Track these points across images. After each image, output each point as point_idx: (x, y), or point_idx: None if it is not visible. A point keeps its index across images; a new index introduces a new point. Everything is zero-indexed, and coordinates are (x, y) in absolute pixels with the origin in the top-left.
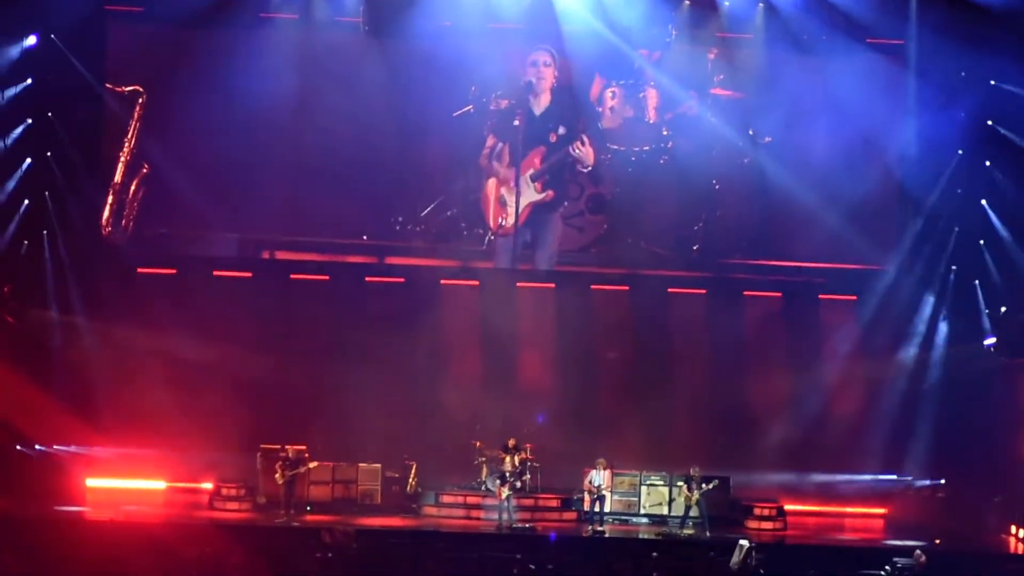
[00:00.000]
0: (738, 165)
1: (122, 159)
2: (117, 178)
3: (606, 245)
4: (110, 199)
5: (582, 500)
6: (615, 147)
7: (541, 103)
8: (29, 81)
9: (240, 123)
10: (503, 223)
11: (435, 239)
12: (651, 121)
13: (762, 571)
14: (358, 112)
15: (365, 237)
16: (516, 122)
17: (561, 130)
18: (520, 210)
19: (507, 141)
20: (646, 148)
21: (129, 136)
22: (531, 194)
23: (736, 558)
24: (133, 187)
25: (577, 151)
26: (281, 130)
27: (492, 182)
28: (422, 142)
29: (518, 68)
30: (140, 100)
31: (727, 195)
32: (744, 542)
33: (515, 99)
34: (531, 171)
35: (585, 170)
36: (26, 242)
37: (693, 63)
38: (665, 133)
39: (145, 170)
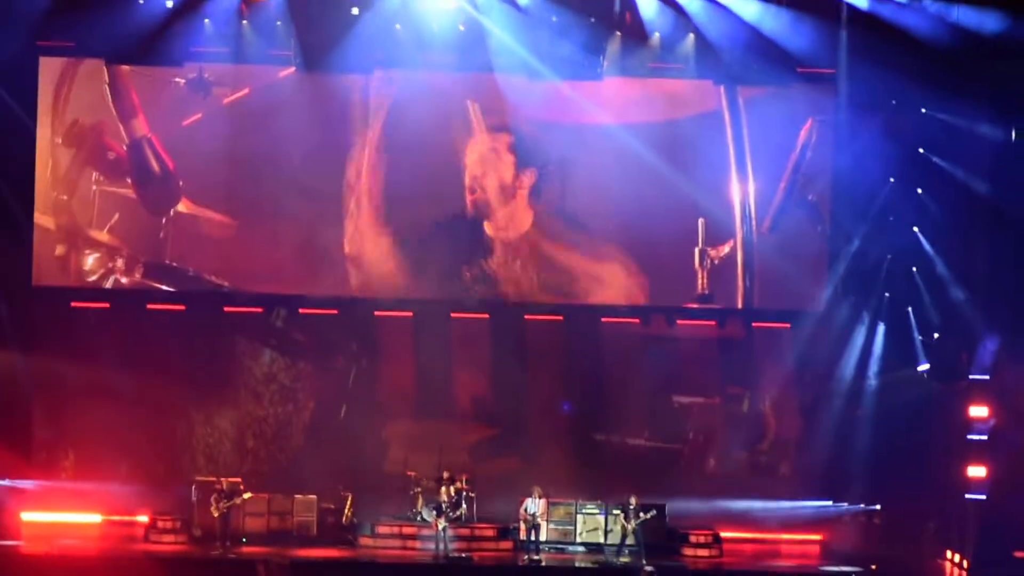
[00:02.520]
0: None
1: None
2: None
3: None
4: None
5: (518, 529)
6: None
7: None
8: None
9: (174, 157)
10: None
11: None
12: None
13: None
14: (284, 148)
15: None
16: None
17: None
18: None
19: None
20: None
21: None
22: None
23: None
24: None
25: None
26: (211, 164)
27: None
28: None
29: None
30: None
31: (657, 227)
32: (649, 568)
33: None
34: None
35: None
36: None
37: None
38: None
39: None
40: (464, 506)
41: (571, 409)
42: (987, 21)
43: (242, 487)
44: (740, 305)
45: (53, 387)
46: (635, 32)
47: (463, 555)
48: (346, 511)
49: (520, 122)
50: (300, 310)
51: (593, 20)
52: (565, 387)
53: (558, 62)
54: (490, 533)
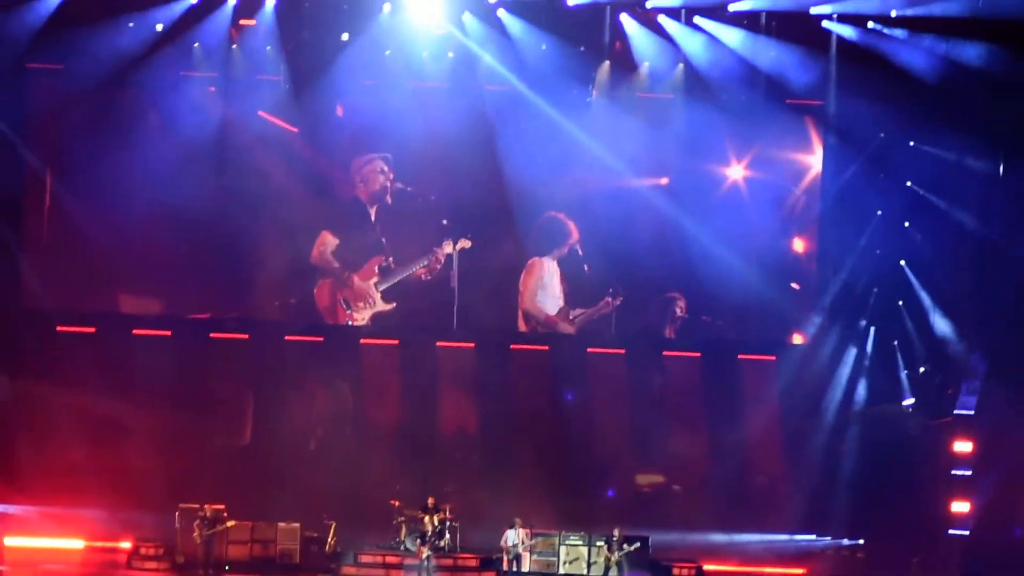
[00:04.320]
0: (655, 227)
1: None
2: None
3: None
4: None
5: (501, 559)
6: None
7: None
8: None
9: (161, 180)
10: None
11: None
12: None
13: None
14: (271, 173)
15: (277, 304)
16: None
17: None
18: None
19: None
20: None
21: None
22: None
23: None
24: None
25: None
26: (199, 188)
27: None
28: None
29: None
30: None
31: (646, 257)
32: None
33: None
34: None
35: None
36: None
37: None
38: None
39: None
40: (448, 536)
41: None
42: (976, 55)
43: (225, 514)
44: (726, 336)
45: (37, 411)
46: (624, 61)
47: None
48: (329, 539)
49: None
50: (285, 337)
51: (583, 48)
52: (551, 417)
53: (547, 89)
54: (473, 563)
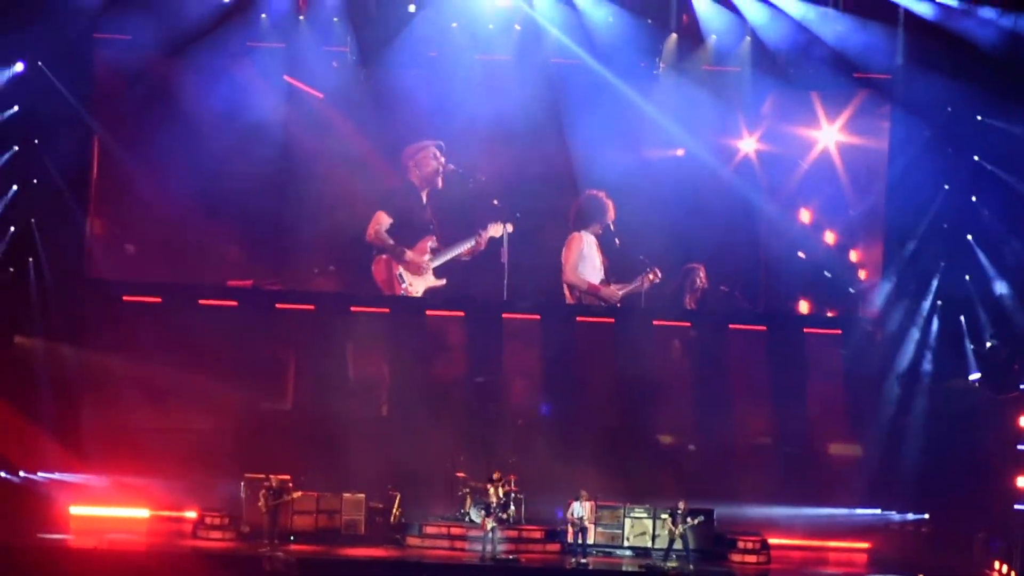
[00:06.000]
0: (724, 197)
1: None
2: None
3: None
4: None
5: (566, 532)
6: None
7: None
8: (16, 108)
9: (225, 151)
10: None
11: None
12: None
13: None
14: (334, 145)
15: (332, 268)
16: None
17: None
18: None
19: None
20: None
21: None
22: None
23: None
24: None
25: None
26: (264, 158)
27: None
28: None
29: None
30: None
31: (715, 228)
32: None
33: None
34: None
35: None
36: (12, 269)
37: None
38: None
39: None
40: (512, 507)
41: (549, 412)
42: None
43: (291, 485)
44: (793, 310)
45: (102, 381)
46: (691, 34)
47: (510, 557)
48: (394, 511)
49: None
50: (352, 308)
51: (650, 21)
52: (615, 389)
53: (614, 63)
54: (538, 535)
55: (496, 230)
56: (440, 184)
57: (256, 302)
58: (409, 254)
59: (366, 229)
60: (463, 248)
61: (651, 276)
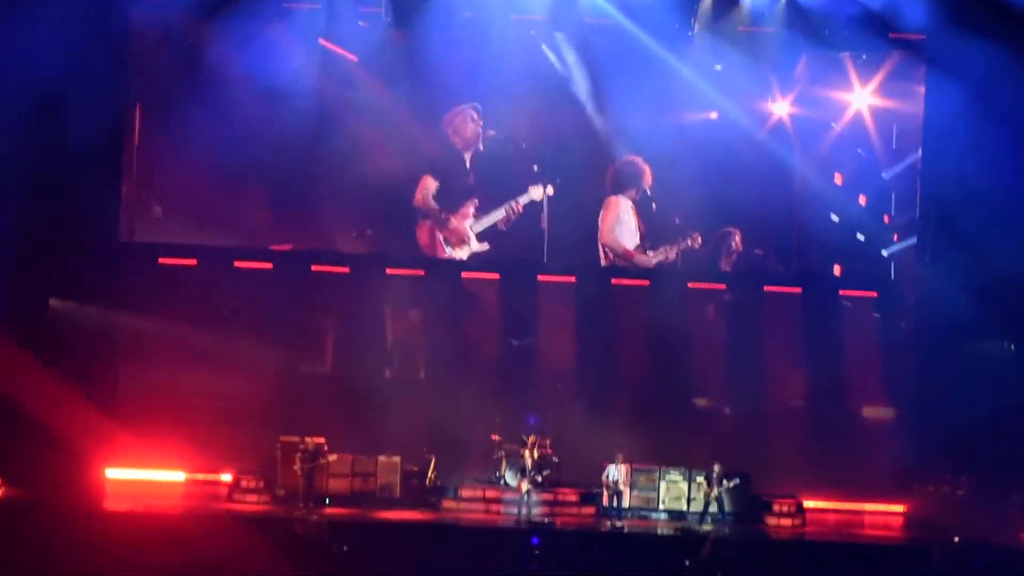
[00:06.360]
0: (758, 161)
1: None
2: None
3: None
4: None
5: (601, 495)
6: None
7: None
8: (50, 71)
9: (258, 114)
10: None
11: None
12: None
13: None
14: (368, 108)
15: (369, 232)
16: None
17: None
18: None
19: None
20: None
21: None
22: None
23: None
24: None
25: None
26: (298, 121)
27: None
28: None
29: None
30: None
31: (750, 192)
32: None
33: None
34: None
35: None
36: (45, 232)
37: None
38: None
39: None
40: (548, 470)
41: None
42: None
43: (326, 447)
44: (828, 273)
45: (138, 343)
46: None
47: (546, 520)
48: (429, 474)
49: None
50: (387, 270)
51: None
52: (650, 352)
53: (649, 23)
54: (573, 498)
55: (537, 192)
56: (481, 147)
57: (291, 264)
58: (453, 220)
59: (403, 193)
60: (504, 211)
61: (689, 242)
